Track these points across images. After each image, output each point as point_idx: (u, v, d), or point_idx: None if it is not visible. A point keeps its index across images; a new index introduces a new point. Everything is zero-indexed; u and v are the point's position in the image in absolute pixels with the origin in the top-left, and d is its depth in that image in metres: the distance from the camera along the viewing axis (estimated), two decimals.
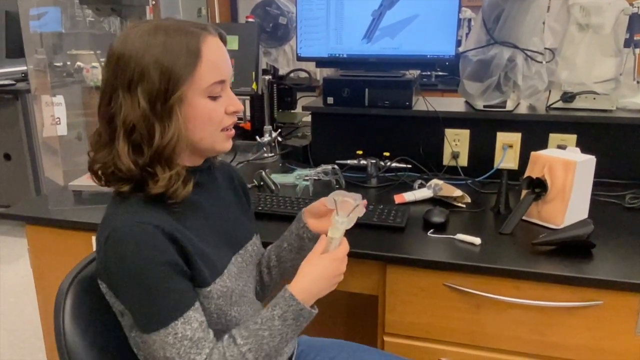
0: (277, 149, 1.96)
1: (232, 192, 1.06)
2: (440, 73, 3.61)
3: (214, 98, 0.86)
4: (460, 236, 1.24)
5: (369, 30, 1.67)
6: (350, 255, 1.15)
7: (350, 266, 1.18)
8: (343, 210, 0.95)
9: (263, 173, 1.62)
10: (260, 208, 1.40)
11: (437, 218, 1.32)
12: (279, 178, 1.65)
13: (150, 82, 0.81)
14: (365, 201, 1.01)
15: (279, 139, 1.99)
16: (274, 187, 1.59)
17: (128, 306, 0.83)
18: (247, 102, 2.24)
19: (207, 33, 0.85)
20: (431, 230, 1.29)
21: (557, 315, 1.14)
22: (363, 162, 1.67)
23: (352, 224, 0.97)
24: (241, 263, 0.99)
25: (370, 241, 1.23)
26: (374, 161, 1.65)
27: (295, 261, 1.11)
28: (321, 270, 0.91)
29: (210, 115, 0.86)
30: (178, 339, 0.81)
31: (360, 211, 0.98)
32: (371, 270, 1.24)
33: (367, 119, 1.73)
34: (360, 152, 1.71)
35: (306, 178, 1.62)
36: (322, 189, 1.61)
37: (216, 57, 0.85)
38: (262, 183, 1.62)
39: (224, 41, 0.90)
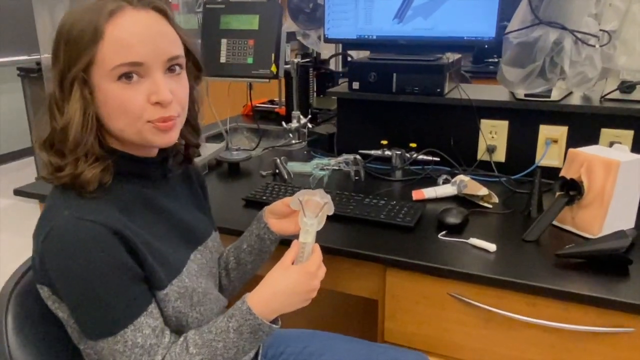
0: (306, 137, 1.89)
1: (187, 188, 0.99)
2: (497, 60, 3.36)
3: (127, 84, 0.76)
4: (474, 241, 1.12)
5: (400, 10, 1.54)
6: (347, 255, 1.11)
7: (349, 266, 1.15)
8: (310, 210, 0.88)
9: (278, 160, 1.55)
10: (264, 198, 1.34)
11: (452, 219, 1.19)
12: (297, 167, 1.58)
13: (58, 59, 0.76)
14: (329, 196, 0.93)
15: (310, 125, 1.92)
16: (287, 176, 1.52)
17: (72, 312, 0.78)
18: (282, 86, 2.18)
19: (127, 6, 0.76)
20: (443, 233, 1.17)
21: (578, 340, 0.99)
22: (388, 152, 1.58)
23: (322, 224, 0.90)
24: (201, 260, 0.93)
25: (372, 241, 1.14)
26: (399, 152, 1.55)
27: (255, 263, 1.04)
28: (290, 284, 0.83)
29: (123, 104, 0.76)
30: (128, 346, 0.76)
31: (329, 209, 0.91)
32: (371, 272, 1.15)
33: (394, 106, 1.63)
34: (384, 142, 1.61)
35: (325, 168, 1.53)
36: (341, 180, 1.53)
37: (127, 35, 0.74)
38: (276, 171, 1.56)
39: (166, 16, 0.80)
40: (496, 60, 3.31)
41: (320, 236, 0.92)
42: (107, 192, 0.79)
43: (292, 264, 0.86)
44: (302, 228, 0.88)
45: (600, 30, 1.38)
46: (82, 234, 0.73)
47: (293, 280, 0.83)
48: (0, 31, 3.62)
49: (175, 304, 0.82)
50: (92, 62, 0.74)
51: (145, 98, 0.77)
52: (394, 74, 1.58)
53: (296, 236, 0.90)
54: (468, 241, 1.12)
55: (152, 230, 0.83)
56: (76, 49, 0.74)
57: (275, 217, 1.03)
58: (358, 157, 1.54)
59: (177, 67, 0.80)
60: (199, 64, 0.88)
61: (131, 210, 0.81)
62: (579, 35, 1.36)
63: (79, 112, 0.75)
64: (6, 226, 2.90)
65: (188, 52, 0.84)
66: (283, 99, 2.21)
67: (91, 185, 0.77)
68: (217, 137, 1.94)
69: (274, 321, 0.84)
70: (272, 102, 2.40)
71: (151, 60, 0.76)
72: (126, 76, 0.75)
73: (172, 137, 0.81)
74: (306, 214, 0.88)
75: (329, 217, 0.92)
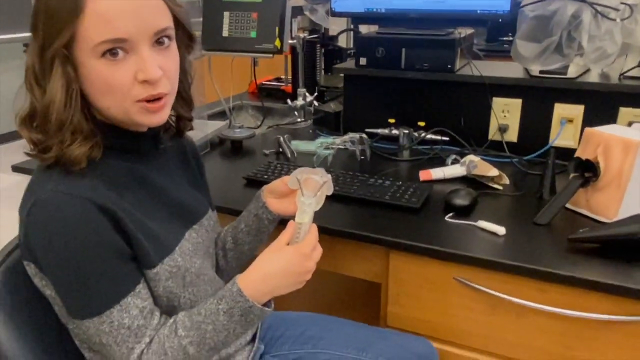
0: (311, 115, 1.85)
1: (181, 164, 0.96)
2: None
3: (112, 61, 0.71)
4: (483, 224, 1.08)
5: None
6: (350, 236, 1.08)
7: (352, 248, 1.13)
8: (308, 189, 0.86)
9: (281, 139, 1.52)
10: (266, 177, 1.31)
11: (460, 200, 1.15)
12: (301, 145, 1.55)
13: (37, 31, 0.71)
14: (329, 175, 0.90)
15: (316, 103, 1.88)
16: (290, 155, 1.49)
17: (57, 291, 0.75)
18: (288, 63, 2.13)
19: None
20: (450, 215, 1.13)
21: (591, 328, 0.96)
22: (395, 131, 1.54)
23: (321, 205, 0.87)
24: (196, 239, 0.90)
25: (376, 222, 1.11)
26: (406, 131, 1.50)
27: (253, 244, 1.02)
28: (283, 265, 0.81)
29: (108, 81, 0.71)
30: (114, 327, 0.74)
31: (329, 189, 0.88)
32: (374, 255, 1.12)
33: (403, 83, 1.57)
34: (392, 121, 1.57)
35: (330, 147, 1.49)
36: (346, 159, 1.49)
37: (110, 9, 0.69)
38: (280, 150, 1.53)
39: None
40: (511, 38, 3.23)
41: (321, 216, 0.89)
42: (95, 167, 0.76)
43: (288, 244, 0.84)
44: (299, 208, 0.85)
45: (622, 3, 1.31)
46: (67, 210, 0.70)
47: (286, 262, 0.81)
48: (5, 7, 3.59)
49: (166, 284, 0.80)
50: (74, 38, 0.70)
51: (132, 76, 0.72)
52: (403, 49, 1.53)
53: (294, 216, 0.87)
54: (476, 224, 1.08)
55: (143, 207, 0.80)
56: (56, 23, 0.70)
57: (274, 197, 1.00)
58: (364, 136, 1.50)
59: (165, 40, 0.76)
60: (190, 33, 0.83)
61: (121, 186, 0.78)
62: (599, 8, 1.29)
63: (61, 90, 0.71)
64: (9, 204, 2.91)
65: (177, 21, 0.79)
66: (289, 77, 2.17)
67: (80, 164, 0.74)
68: (221, 115, 1.91)
69: (267, 304, 0.81)
70: (278, 79, 2.35)
71: (136, 35, 0.71)
72: (111, 53, 0.71)
73: (162, 117, 0.78)
74: (304, 193, 0.86)
75: (331, 197, 0.89)
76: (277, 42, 1.51)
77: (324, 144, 1.50)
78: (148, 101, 0.75)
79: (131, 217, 0.75)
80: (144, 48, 0.72)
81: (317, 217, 0.88)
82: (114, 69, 0.71)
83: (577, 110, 1.41)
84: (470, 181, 1.31)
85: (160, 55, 0.75)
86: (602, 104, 1.38)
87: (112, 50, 0.71)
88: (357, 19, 1.64)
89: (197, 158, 1.01)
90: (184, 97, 0.88)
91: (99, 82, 0.72)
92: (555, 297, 0.96)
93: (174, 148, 0.94)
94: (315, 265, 0.83)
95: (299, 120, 1.85)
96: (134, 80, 0.73)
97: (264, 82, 2.29)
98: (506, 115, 1.49)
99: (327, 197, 0.90)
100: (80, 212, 0.70)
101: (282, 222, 1.00)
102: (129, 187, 0.79)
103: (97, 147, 0.75)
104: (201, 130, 1.57)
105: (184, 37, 0.83)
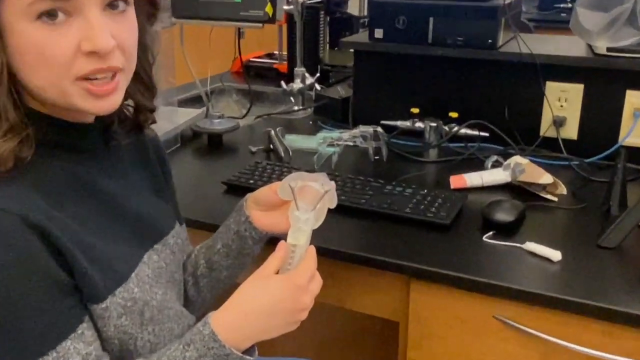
0: (312, 102, 1.86)
1: (141, 166, 0.96)
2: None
3: (50, 24, 0.70)
4: (532, 246, 1.08)
5: None
6: (360, 261, 1.09)
7: (362, 276, 1.13)
8: (305, 201, 0.86)
9: (272, 132, 1.53)
10: (251, 182, 1.31)
11: (503, 215, 1.16)
12: (298, 141, 1.56)
13: None
14: (333, 183, 0.90)
15: (318, 87, 1.90)
16: (283, 154, 1.49)
17: None
18: (283, 35, 2.14)
19: None
20: (489, 234, 1.14)
21: None
22: (419, 124, 1.56)
23: (321, 221, 0.87)
24: (158, 262, 0.89)
25: (394, 243, 1.12)
26: (434, 124, 1.53)
27: (232, 270, 1.02)
28: (270, 300, 0.80)
29: (43, 52, 0.70)
30: None
31: (331, 200, 0.88)
32: (391, 285, 1.12)
33: (430, 62, 1.59)
34: (416, 111, 1.57)
35: (335, 143, 1.50)
36: (356, 160, 1.50)
37: None
38: (271, 147, 1.53)
39: None
40: (570, 6, 3.23)
41: (322, 235, 0.88)
42: (26, 170, 0.75)
43: (277, 273, 0.83)
44: (293, 225, 0.85)
45: None
46: None
47: (274, 296, 0.80)
48: None
49: (118, 322, 0.79)
50: None
51: (74, 45, 0.71)
52: (431, 19, 1.54)
53: (286, 235, 0.88)
54: (523, 246, 1.09)
55: (89, 223, 0.79)
56: None
57: (260, 208, 1.00)
58: (379, 130, 1.50)
59: (120, 3, 0.75)
60: None
61: (60, 196, 0.77)
62: None
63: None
64: None
65: None
66: (284, 52, 2.18)
67: (5, 164, 0.73)
68: (195, 101, 1.92)
69: (249, 351, 0.80)
70: (270, 56, 2.37)
71: None
72: (48, 14, 0.70)
73: (112, 103, 0.77)
74: (299, 205, 0.86)
75: (335, 210, 0.89)
76: (269, 8, 1.52)
77: (328, 140, 1.50)
78: (93, 81, 0.74)
79: (72, 237, 0.75)
80: (93, 10, 0.71)
81: (317, 236, 0.87)
82: (51, 36, 0.70)
83: None
84: (516, 190, 1.31)
85: (113, 22, 0.74)
86: None
87: (51, 11, 0.70)
88: None
89: (162, 158, 1.01)
90: (143, 80, 0.88)
91: (31, 52, 0.71)
92: (624, 343, 0.96)
93: (132, 145, 0.94)
94: (312, 301, 0.83)
95: (295, 108, 1.85)
96: (77, 52, 0.72)
97: (251, 60, 2.30)
98: (563, 105, 1.50)
99: (330, 211, 0.90)
100: (4, 232, 0.69)
101: (272, 241, 1.00)
102: (69, 196, 0.79)
103: (28, 143, 0.74)
104: (169, 120, 1.57)
105: (146, 3, 0.83)
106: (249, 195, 1.01)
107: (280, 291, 0.81)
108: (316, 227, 0.87)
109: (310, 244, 0.86)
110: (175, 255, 0.95)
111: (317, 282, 0.84)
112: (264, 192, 0.98)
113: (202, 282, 1.04)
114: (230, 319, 0.79)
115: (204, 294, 1.05)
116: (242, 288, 0.82)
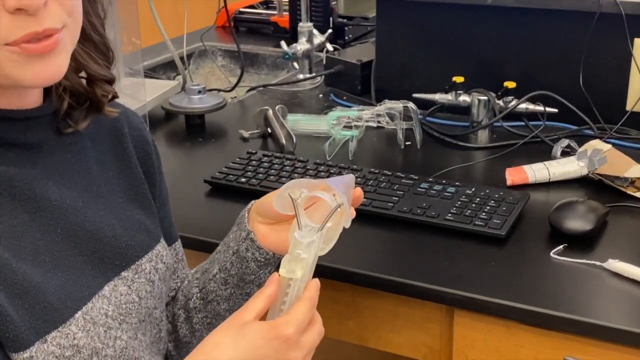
0: (322, 68, 1.87)
1: (115, 162, 0.96)
2: None
3: None
4: (616, 265, 1.09)
5: None
6: (386, 287, 1.11)
7: (390, 307, 1.15)
8: (311, 217, 0.86)
9: (269, 112, 1.53)
10: (243, 180, 1.31)
11: (577, 222, 1.17)
12: (303, 122, 1.57)
13: None
14: (359, 190, 0.91)
15: (330, 47, 1.92)
16: (284, 140, 1.48)
17: None
18: None
19: None
20: (559, 248, 1.14)
21: None
22: (464, 98, 1.58)
23: (331, 246, 0.86)
24: (127, 296, 0.89)
25: (431, 262, 1.14)
26: (484, 97, 1.53)
27: (233, 301, 1.01)
28: (244, 356, 0.79)
29: None
30: None
31: (346, 218, 0.86)
32: (427, 317, 1.14)
33: (479, 13, 1.60)
34: (459, 80, 1.58)
35: (352, 124, 1.51)
36: (381, 147, 1.52)
37: None
38: (268, 131, 1.53)
39: None
40: None
41: (333, 252, 0.87)
42: None
43: (260, 319, 0.82)
44: (291, 251, 0.84)
45: None
46: None
47: (249, 352, 0.79)
48: None
49: None
50: None
51: None
52: None
53: None
54: (605, 265, 1.10)
55: (20, 242, 0.80)
56: None
57: (266, 221, 0.99)
58: (411, 105, 1.51)
59: None
60: None
61: None
62: None
63: None
64: None
65: None
66: (285, 0, 2.19)
67: None
68: (167, 69, 1.94)
69: None
70: (267, 4, 2.37)
71: None
72: None
73: (55, 68, 0.77)
74: (302, 224, 0.85)
75: (355, 219, 0.88)
76: None
77: (343, 121, 1.51)
78: (27, 42, 0.74)
79: None
80: None
81: (330, 252, 0.86)
82: None
83: None
84: (594, 186, 1.32)
85: None
86: None
87: None
88: None
89: (145, 151, 1.00)
90: (94, 41, 0.88)
91: None
92: None
93: (103, 134, 0.95)
94: (308, 358, 0.82)
95: (300, 77, 1.86)
96: (2, 10, 0.72)
97: (242, 10, 2.31)
98: None
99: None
100: None
101: None
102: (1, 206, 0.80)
103: None
104: (133, 95, 1.58)
105: None
106: (253, 204, 1.01)
107: (257, 346, 0.80)
108: (323, 253, 0.85)
109: (314, 277, 0.85)
110: (155, 286, 0.94)
111: (315, 333, 0.83)
112: (270, 200, 0.96)
113: (196, 317, 1.04)
114: None
115: (199, 333, 1.05)
116: (210, 338, 0.81)
